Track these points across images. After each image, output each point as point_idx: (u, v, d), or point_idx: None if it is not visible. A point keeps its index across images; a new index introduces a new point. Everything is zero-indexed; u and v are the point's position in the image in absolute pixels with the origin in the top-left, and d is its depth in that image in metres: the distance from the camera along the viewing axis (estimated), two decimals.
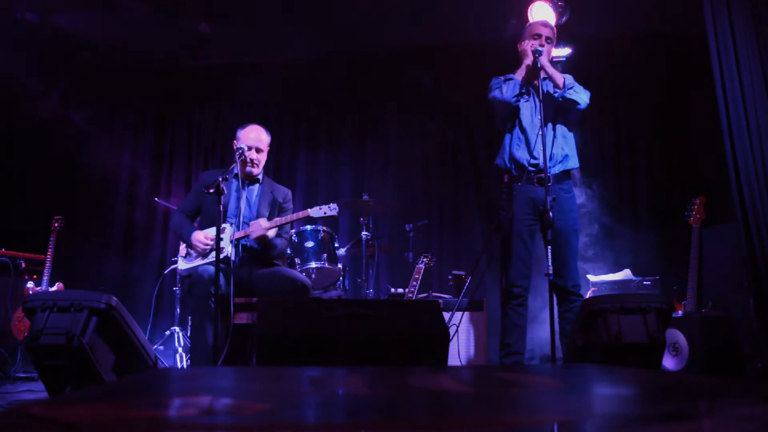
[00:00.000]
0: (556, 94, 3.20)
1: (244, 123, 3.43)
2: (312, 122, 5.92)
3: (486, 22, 4.96)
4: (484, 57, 5.24)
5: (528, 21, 3.80)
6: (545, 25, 3.39)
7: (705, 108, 4.58)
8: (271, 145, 3.48)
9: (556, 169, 3.17)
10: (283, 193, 3.46)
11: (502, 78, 3.35)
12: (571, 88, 3.19)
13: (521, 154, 3.19)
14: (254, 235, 3.11)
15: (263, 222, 3.13)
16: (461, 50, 5.53)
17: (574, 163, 3.24)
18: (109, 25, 5.25)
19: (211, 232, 3.07)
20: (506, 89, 3.24)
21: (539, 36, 3.30)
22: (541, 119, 3.02)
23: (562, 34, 4.37)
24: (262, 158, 3.37)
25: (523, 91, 3.25)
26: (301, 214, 3.18)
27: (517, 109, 3.26)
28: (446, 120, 5.70)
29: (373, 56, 5.78)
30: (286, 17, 5.17)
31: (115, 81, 5.86)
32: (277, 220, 3.19)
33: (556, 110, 3.24)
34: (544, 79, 3.23)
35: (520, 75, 3.28)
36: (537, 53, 3.13)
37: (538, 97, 3.13)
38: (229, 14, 5.09)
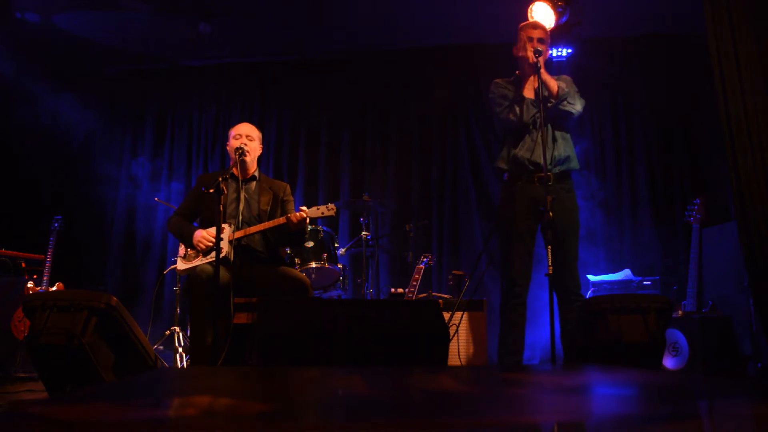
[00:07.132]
0: (550, 106, 3.16)
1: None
2: (312, 122, 5.92)
3: (485, 22, 4.96)
4: (484, 56, 5.26)
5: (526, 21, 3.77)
6: (535, 27, 3.31)
7: (705, 108, 4.58)
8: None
9: (557, 170, 3.16)
10: (282, 187, 3.45)
11: (504, 89, 3.29)
12: (564, 99, 3.15)
13: (522, 155, 3.18)
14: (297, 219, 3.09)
15: (309, 210, 3.14)
16: (462, 50, 5.53)
17: (574, 164, 3.23)
18: (109, 24, 5.24)
19: (213, 231, 3.06)
20: (523, 112, 3.18)
21: (531, 39, 3.23)
22: (540, 121, 3.01)
23: (562, 34, 4.36)
24: (253, 148, 3.36)
25: (537, 111, 3.18)
26: (298, 214, 3.17)
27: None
28: (446, 119, 5.70)
29: (374, 56, 5.78)
30: (286, 17, 5.17)
31: (115, 80, 5.87)
32: (274, 222, 3.17)
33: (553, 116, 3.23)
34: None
35: (530, 93, 3.21)
36: (537, 54, 3.09)
37: (540, 101, 3.09)
38: (230, 14, 5.09)
